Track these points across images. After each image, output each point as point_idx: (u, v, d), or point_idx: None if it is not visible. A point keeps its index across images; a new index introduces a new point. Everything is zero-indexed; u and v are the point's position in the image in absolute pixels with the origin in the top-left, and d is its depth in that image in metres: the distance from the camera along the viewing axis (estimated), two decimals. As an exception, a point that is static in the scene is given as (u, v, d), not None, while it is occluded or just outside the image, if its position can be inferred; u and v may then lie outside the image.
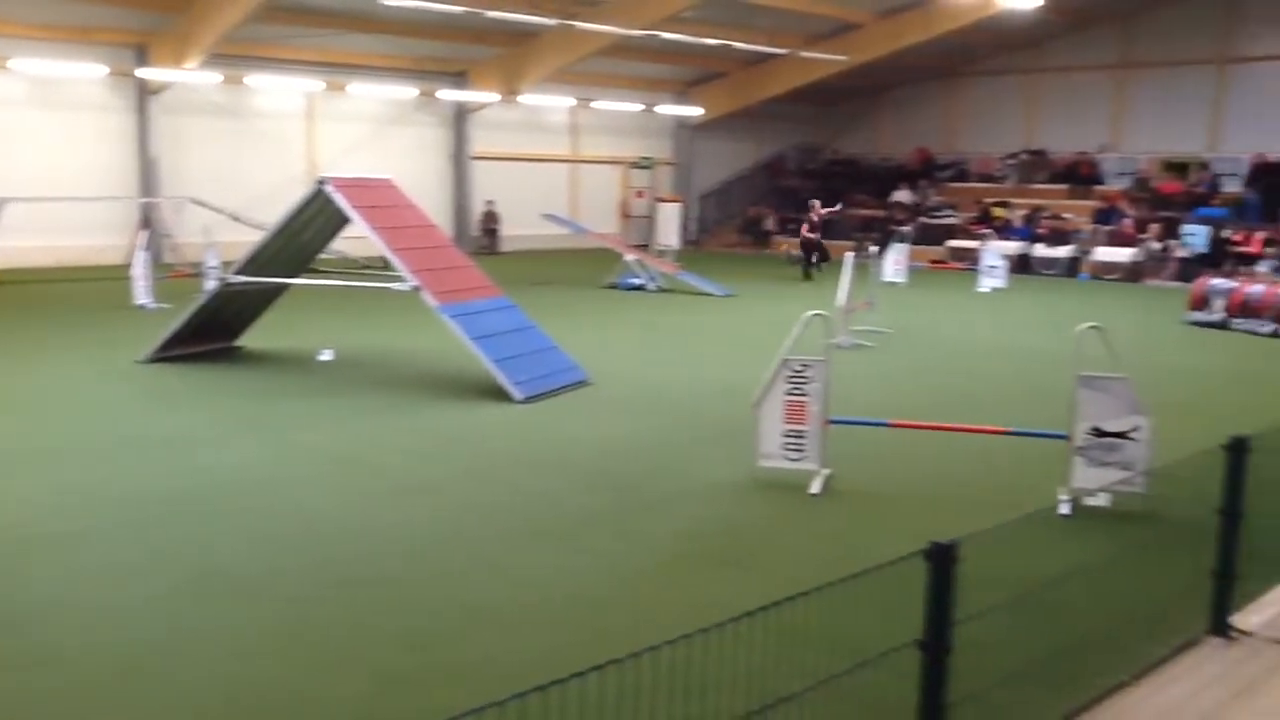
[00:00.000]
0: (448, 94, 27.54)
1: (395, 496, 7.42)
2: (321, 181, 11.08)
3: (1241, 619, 5.27)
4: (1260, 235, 23.11)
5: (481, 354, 10.46)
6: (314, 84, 25.35)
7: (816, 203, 23.86)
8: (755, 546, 6.58)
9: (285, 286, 12.73)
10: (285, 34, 23.60)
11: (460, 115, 28.57)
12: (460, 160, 28.77)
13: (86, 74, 22.38)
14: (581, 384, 11.11)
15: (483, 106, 28.36)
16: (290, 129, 25.80)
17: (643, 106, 30.88)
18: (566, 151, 31.15)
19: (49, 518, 6.78)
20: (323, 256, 14.86)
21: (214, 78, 23.41)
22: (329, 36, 24.23)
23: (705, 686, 3.05)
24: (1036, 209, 27.79)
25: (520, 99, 28.12)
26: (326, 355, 12.44)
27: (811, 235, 23.26)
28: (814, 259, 23.07)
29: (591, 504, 7.31)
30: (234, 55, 23.38)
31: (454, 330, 10.60)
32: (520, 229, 28.51)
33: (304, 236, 12.16)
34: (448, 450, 8.70)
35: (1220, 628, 5.15)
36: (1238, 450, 5.03)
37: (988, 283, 21.71)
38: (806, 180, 34.24)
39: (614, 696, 3.08)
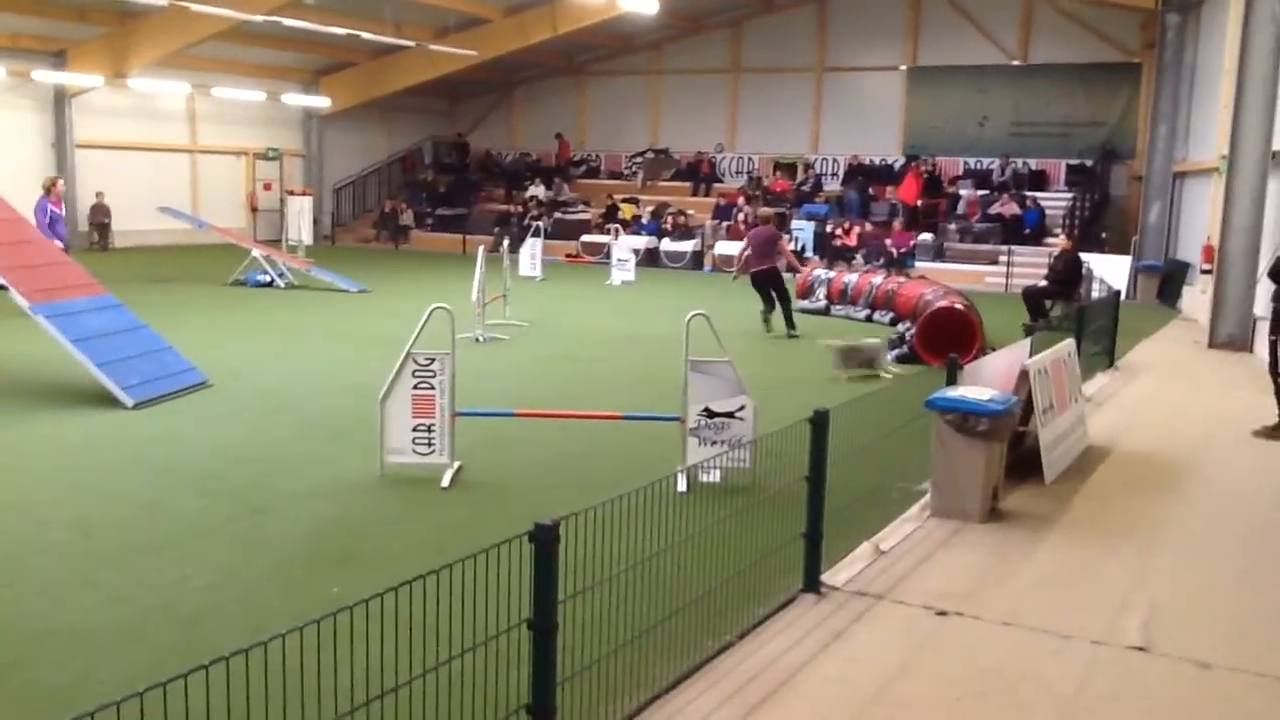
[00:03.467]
0: (45, 75, 25.10)
1: (-25, 517, 6.71)
2: (-118, 168, 9.83)
3: (831, 576, 5.80)
4: (856, 229, 25.44)
5: (83, 357, 9.65)
6: (-123, 59, 22.36)
7: None
8: (379, 543, 6.48)
9: None
10: None
11: (60, 99, 26.14)
12: (63, 148, 26.33)
13: None
14: (201, 386, 10.51)
15: (87, 90, 26.10)
16: None
17: (266, 95, 29.58)
18: (185, 141, 29.31)
19: None
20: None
21: None
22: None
23: (320, 686, 2.98)
24: (663, 205, 29.15)
25: (130, 83, 26.12)
26: (-103, 364, 11.07)
27: None
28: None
29: (203, 511, 6.93)
30: None
31: (51, 333, 9.72)
32: (136, 223, 26.53)
33: None
34: (40, 462, 7.97)
35: (813, 585, 5.63)
36: (820, 423, 5.52)
37: (618, 276, 22.55)
38: (441, 174, 34.17)
39: (217, 708, 2.94)
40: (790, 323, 15.02)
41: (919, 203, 26.49)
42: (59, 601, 5.43)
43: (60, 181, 16.68)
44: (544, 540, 3.43)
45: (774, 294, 14.99)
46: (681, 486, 7.36)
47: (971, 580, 5.90)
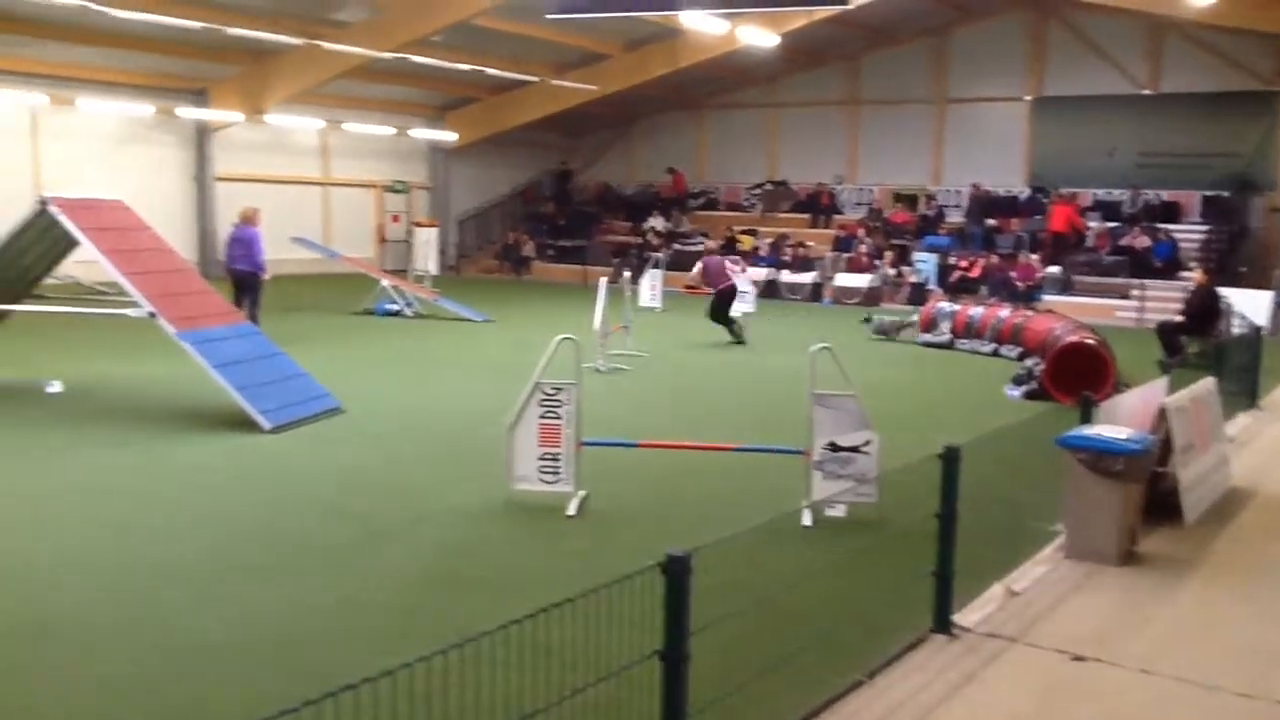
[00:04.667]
0: (188, 112, 26.29)
1: (112, 534, 7.01)
2: (44, 202, 10.39)
3: (962, 616, 5.68)
4: (981, 261, 24.98)
5: (225, 382, 10.03)
6: (38, 98, 23.67)
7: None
8: (504, 570, 6.57)
9: (4, 313, 11.88)
10: (1, 42, 21.97)
11: (202, 135, 27.31)
12: (203, 181, 27.48)
13: None
14: (334, 411, 10.82)
15: (226, 126, 27.23)
16: (11, 145, 23.96)
17: (395, 130, 30.45)
18: (317, 174, 30.31)
19: None
20: (50, 281, 13.89)
21: (-80, 88, 21.54)
22: (54, 47, 22.72)
23: (448, 711, 3.05)
24: (781, 237, 29.08)
25: (266, 119, 27.18)
26: (54, 387, 11.64)
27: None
28: None
29: (334, 534, 7.13)
30: (-57, 64, 21.59)
31: (195, 358, 10.13)
32: (270, 253, 27.38)
33: (25, 260, 11.39)
34: (182, 483, 8.29)
35: (943, 625, 5.52)
36: (952, 460, 5.43)
37: (738, 307, 22.44)
38: (562, 207, 34.65)
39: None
40: (731, 330, 17.69)
41: (1071, 232, 25.79)
42: (193, 620, 5.63)
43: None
44: (677, 571, 3.45)
45: (726, 307, 17.69)
46: (806, 521, 7.31)
47: (1108, 625, 5.72)
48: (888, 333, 18.92)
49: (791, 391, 12.52)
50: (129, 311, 10.52)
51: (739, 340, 17.48)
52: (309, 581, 6.23)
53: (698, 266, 18.39)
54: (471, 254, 33.72)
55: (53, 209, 10.31)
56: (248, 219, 16.27)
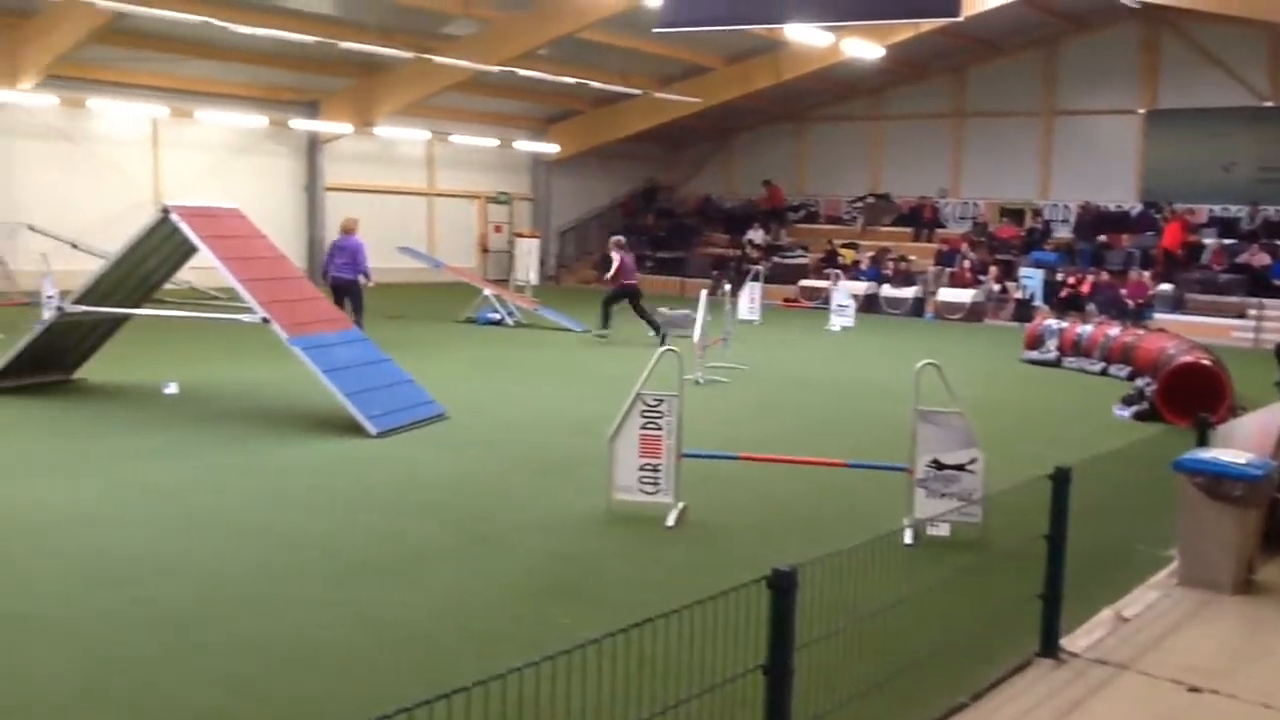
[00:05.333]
0: (300, 124, 27.03)
1: (229, 533, 7.22)
2: (166, 209, 10.77)
3: (1070, 641, 5.55)
4: (1090, 278, 24.39)
5: (334, 387, 10.28)
6: (159, 110, 24.58)
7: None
8: (604, 579, 6.62)
9: (127, 317, 12.32)
10: (129, 57, 22.86)
11: (313, 146, 28.07)
12: (313, 191, 28.24)
13: (-89, 92, 21.26)
14: (438, 418, 11.01)
15: (336, 137, 27.94)
16: (134, 155, 24.91)
17: (499, 142, 30.91)
18: (422, 185, 30.91)
19: None
20: (168, 287, 14.40)
21: (51, 100, 22.50)
22: (175, 62, 23.57)
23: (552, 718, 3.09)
24: (883, 251, 28.77)
25: (375, 131, 27.82)
26: (171, 389, 12.05)
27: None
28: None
29: (437, 539, 7.25)
30: (73, 77, 22.52)
31: (305, 363, 10.40)
32: (375, 262, 27.90)
33: (147, 266, 11.80)
34: (292, 485, 8.51)
35: (1050, 649, 5.40)
36: (1062, 481, 5.32)
37: (837, 321, 22.36)
38: (660, 219, 34.77)
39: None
40: (605, 319, 18.42)
41: (1181, 250, 25.09)
42: (307, 618, 5.78)
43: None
44: (782, 586, 3.44)
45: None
46: (907, 539, 7.22)
47: (1224, 656, 5.54)
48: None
49: (891, 407, 12.39)
50: (243, 317, 10.85)
51: (657, 333, 17.28)
52: (418, 584, 6.36)
53: (616, 263, 18.87)
54: (571, 264, 34.03)
55: (174, 217, 10.68)
56: (349, 229, 16.74)
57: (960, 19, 10.01)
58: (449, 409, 11.25)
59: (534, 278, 25.73)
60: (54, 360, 12.23)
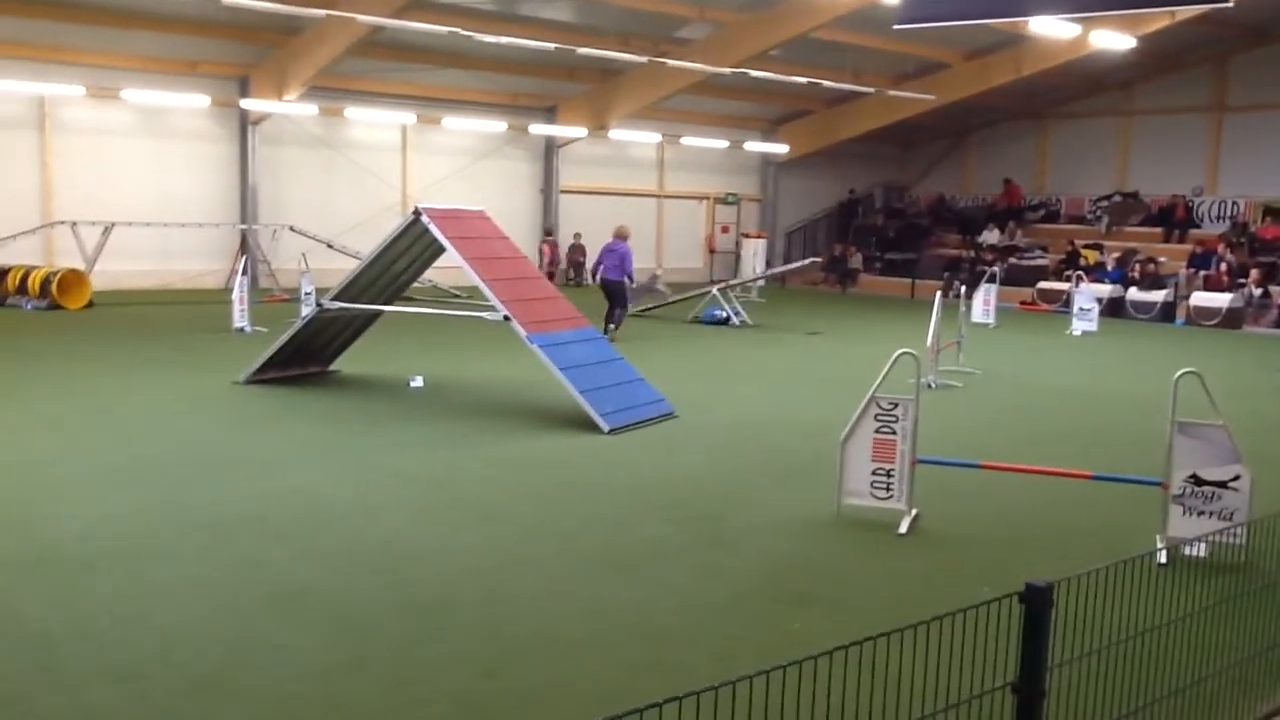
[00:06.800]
0: (538, 128, 27.98)
1: (474, 522, 7.53)
2: (417, 212, 11.33)
3: (1347, 679, 5.11)
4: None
5: (569, 384, 10.57)
6: (408, 117, 25.96)
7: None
8: (835, 586, 6.53)
9: (379, 313, 13.04)
10: (381, 69, 24.24)
11: (550, 149, 29.00)
12: (550, 193, 29.18)
13: (191, 105, 23.19)
14: (668, 417, 11.16)
15: (572, 141, 28.75)
16: (384, 160, 26.42)
17: (729, 143, 31.03)
18: (653, 186, 31.41)
19: (127, 533, 6.96)
20: (414, 285, 15.16)
21: (311, 109, 24.11)
22: (424, 72, 24.82)
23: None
24: (1129, 252, 27.28)
25: (609, 134, 28.45)
26: (417, 382, 12.68)
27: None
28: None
29: (668, 536, 7.34)
30: (332, 88, 24.10)
31: (543, 360, 10.74)
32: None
33: (398, 265, 12.44)
34: (530, 478, 8.79)
35: (1324, 686, 4.99)
36: (1345, 503, 4.90)
37: (1079, 326, 21.36)
38: (890, 219, 34.10)
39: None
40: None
41: None
42: (540, 609, 5.95)
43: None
44: (1036, 602, 3.31)
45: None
46: (1160, 558, 6.81)
47: None
48: None
49: (1134, 418, 11.73)
50: (485, 314, 11.31)
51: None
52: (650, 581, 6.45)
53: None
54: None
55: (424, 219, 11.23)
56: (622, 235, 17.88)
57: (1229, 4, 9.35)
58: (678, 408, 11.38)
59: (760, 268, 25.69)
60: (314, 353, 13.08)
